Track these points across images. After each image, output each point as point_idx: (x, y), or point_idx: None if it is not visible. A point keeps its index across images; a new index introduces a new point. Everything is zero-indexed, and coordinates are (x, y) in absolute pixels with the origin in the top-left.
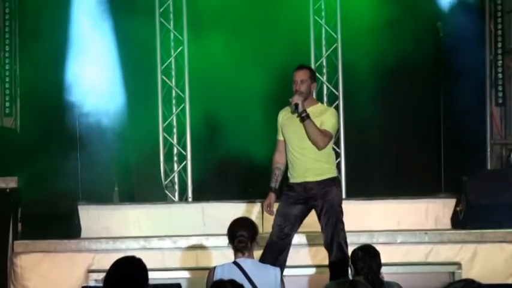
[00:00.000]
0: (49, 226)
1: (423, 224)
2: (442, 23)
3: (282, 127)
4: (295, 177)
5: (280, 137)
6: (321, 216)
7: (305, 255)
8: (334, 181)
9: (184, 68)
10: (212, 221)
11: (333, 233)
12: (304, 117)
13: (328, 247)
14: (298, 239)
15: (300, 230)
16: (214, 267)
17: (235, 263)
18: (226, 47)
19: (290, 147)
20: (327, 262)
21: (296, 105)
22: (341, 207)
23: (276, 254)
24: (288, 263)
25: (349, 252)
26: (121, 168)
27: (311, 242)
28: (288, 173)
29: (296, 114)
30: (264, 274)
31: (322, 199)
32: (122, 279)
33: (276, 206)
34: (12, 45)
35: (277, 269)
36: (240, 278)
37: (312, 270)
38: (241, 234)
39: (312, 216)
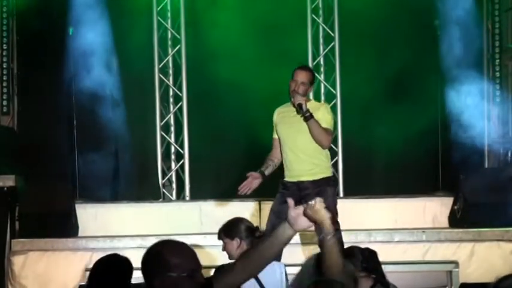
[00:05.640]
0: (46, 225)
1: (421, 222)
2: (439, 21)
3: (277, 125)
4: (289, 176)
5: (276, 136)
6: None
7: (303, 254)
8: (330, 181)
9: (181, 66)
10: (209, 219)
11: None
12: (308, 117)
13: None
14: (295, 237)
15: None
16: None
17: None
18: (224, 45)
19: (284, 146)
20: None
21: (300, 105)
22: (336, 207)
23: None
24: (285, 262)
25: None
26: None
27: (308, 241)
28: (284, 172)
29: (300, 114)
30: (270, 271)
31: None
32: (103, 279)
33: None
34: (10, 44)
35: (282, 265)
36: None
37: None
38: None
39: None
